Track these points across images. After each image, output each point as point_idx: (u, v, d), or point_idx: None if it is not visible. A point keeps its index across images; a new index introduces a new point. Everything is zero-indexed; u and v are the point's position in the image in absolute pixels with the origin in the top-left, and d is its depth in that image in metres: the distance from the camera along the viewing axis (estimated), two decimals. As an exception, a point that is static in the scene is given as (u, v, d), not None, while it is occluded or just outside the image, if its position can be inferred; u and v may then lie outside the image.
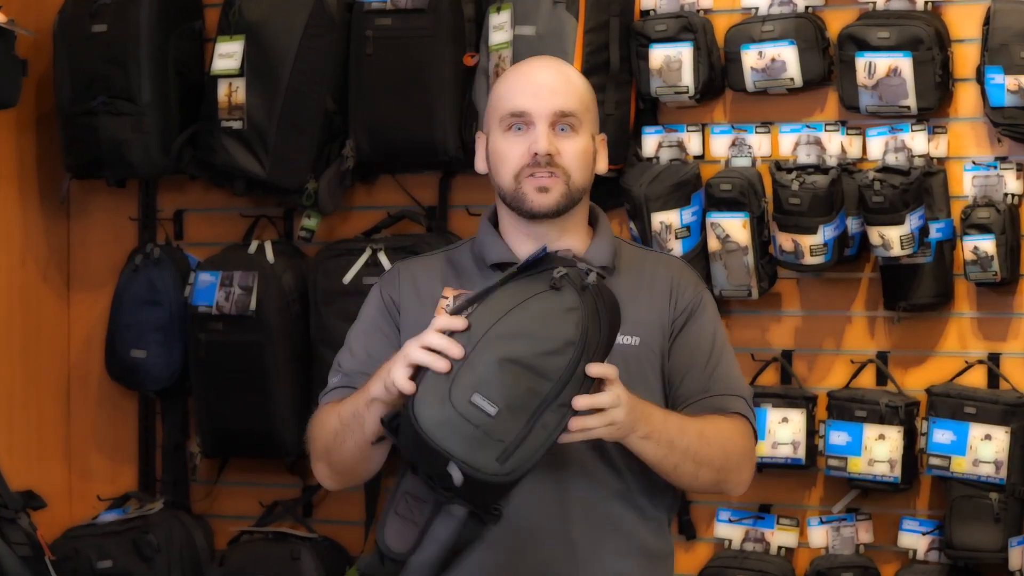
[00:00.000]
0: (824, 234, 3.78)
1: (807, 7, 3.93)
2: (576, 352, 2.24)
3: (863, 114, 3.86)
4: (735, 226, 3.89)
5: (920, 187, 3.76)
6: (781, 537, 3.98)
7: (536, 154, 2.49)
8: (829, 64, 3.91)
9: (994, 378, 3.85)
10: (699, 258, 3.93)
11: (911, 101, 3.79)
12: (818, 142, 3.89)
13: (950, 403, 3.77)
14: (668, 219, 3.90)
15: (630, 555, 2.52)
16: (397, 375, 2.25)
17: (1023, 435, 3.70)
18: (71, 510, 4.62)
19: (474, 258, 2.60)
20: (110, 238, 4.68)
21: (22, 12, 4.32)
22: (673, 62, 3.95)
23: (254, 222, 4.51)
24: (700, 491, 2.58)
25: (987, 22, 3.75)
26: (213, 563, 4.38)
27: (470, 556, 2.32)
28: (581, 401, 2.24)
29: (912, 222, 3.73)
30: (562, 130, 2.51)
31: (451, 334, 2.22)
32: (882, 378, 3.94)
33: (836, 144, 3.88)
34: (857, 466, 3.82)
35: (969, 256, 3.73)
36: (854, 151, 3.88)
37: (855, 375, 3.95)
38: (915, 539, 3.85)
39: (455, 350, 2.20)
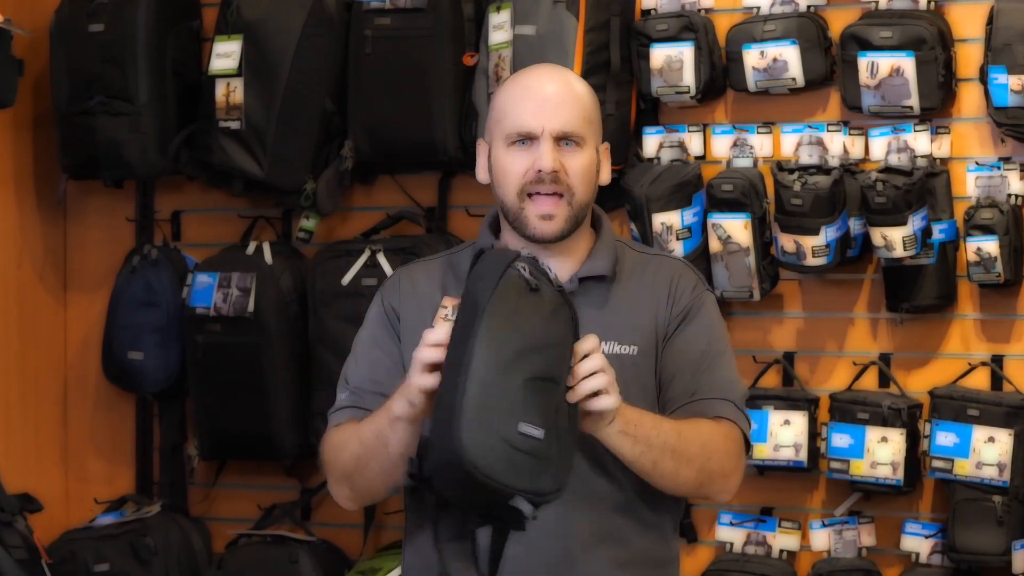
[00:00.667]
0: (826, 235, 3.77)
1: (809, 6, 3.93)
2: (572, 349, 2.26)
3: (865, 114, 3.85)
4: (737, 227, 3.88)
5: (923, 188, 3.75)
6: (783, 540, 3.97)
7: (540, 171, 2.47)
8: (831, 64, 3.91)
9: (997, 380, 3.85)
10: (700, 259, 3.92)
11: (914, 101, 3.78)
12: (820, 142, 3.88)
13: (953, 405, 3.76)
14: (669, 220, 3.90)
15: (631, 565, 2.51)
16: (421, 381, 2.26)
17: (1027, 437, 3.70)
18: (68, 513, 4.62)
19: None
20: (107, 239, 4.67)
21: (18, 11, 4.32)
22: (674, 62, 3.94)
23: (252, 223, 4.50)
24: (686, 494, 2.52)
25: (990, 21, 3.74)
26: (211, 566, 4.38)
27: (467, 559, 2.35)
28: (580, 389, 2.25)
29: (915, 223, 3.73)
30: (567, 145, 2.49)
31: (455, 348, 2.21)
32: (884, 380, 3.93)
33: (838, 144, 3.87)
34: (859, 469, 3.81)
35: (972, 257, 3.72)
36: (856, 151, 3.88)
37: (857, 377, 3.95)
38: (918, 542, 3.84)
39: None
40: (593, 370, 2.27)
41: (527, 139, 2.48)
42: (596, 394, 2.28)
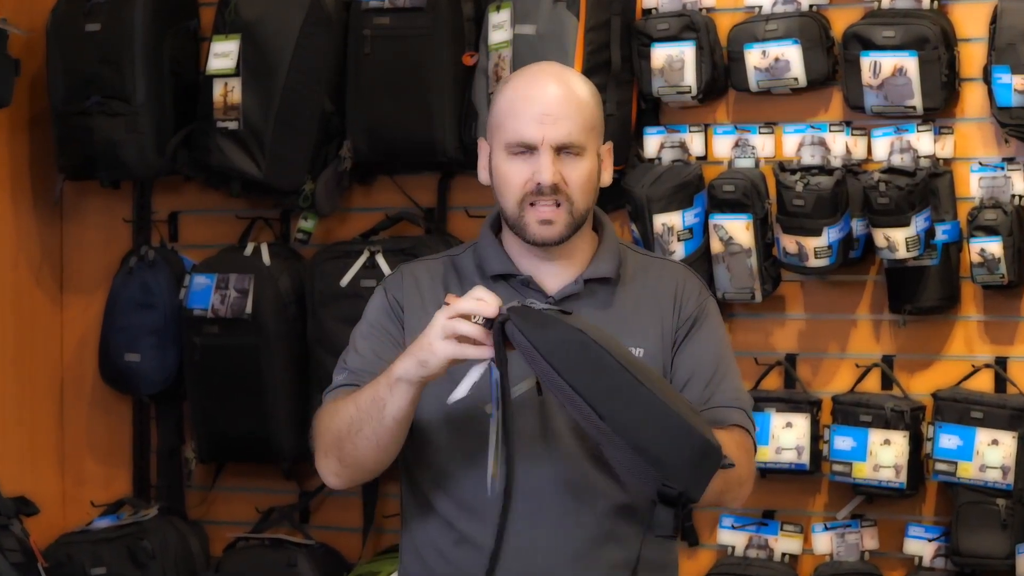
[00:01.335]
0: (828, 236, 3.76)
1: (811, 6, 3.92)
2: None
3: (868, 114, 3.84)
4: (738, 228, 3.87)
5: (926, 188, 3.74)
6: (785, 544, 3.96)
7: (540, 183, 2.46)
8: (834, 63, 3.90)
9: (1001, 382, 3.84)
10: (702, 260, 3.91)
11: (917, 101, 3.77)
12: (822, 143, 3.87)
13: (956, 408, 3.76)
14: (670, 221, 3.89)
15: (630, 568, 2.49)
16: (445, 347, 2.29)
17: (1031, 440, 3.70)
18: (64, 516, 4.61)
19: (476, 265, 2.58)
20: (104, 240, 4.67)
21: (15, 11, 4.34)
22: (675, 61, 3.93)
23: (250, 224, 4.49)
24: (706, 502, 2.51)
25: (994, 21, 3.73)
26: (208, 570, 4.39)
27: (467, 567, 2.39)
28: None
29: (918, 224, 3.72)
30: (567, 154, 2.48)
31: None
32: (887, 382, 3.92)
33: (841, 145, 3.86)
34: (862, 471, 3.80)
35: (976, 258, 3.71)
36: (859, 152, 3.87)
37: (860, 379, 3.94)
38: (921, 546, 3.84)
39: (489, 308, 2.26)
40: None
41: (527, 149, 2.47)
42: None
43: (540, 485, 2.43)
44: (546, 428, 2.45)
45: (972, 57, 3.82)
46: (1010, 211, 3.71)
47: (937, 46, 3.74)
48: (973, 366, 3.85)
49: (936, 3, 3.83)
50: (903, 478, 3.76)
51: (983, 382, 3.84)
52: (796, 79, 3.87)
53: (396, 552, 3.76)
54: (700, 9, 3.99)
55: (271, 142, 4.19)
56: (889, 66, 3.76)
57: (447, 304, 2.32)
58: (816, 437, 3.87)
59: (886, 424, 3.77)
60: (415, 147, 4.12)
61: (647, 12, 4.04)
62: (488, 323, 2.28)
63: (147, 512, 4.40)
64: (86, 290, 4.67)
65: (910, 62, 3.74)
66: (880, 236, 3.74)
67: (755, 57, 3.89)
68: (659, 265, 2.65)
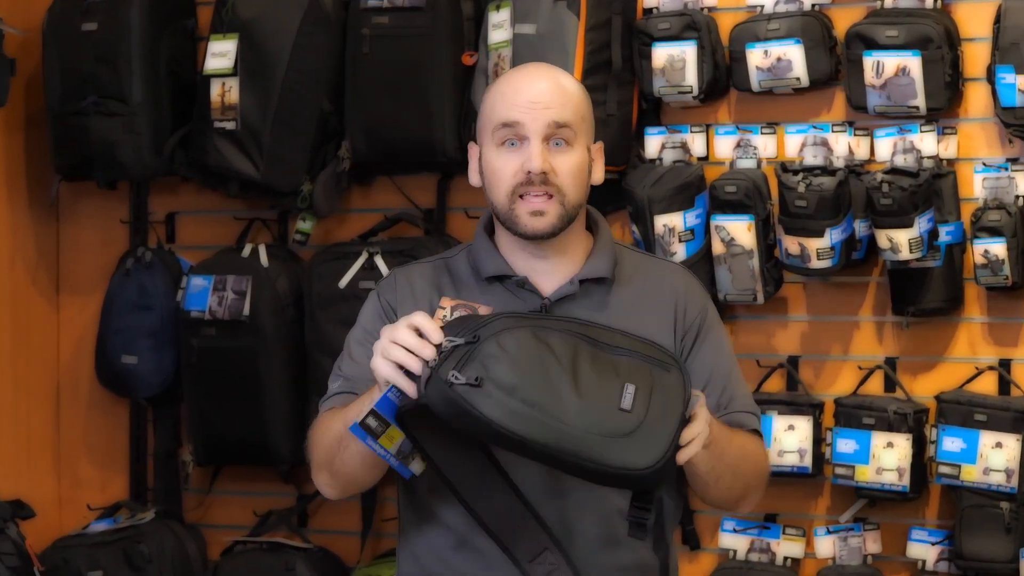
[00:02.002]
0: (831, 237, 3.75)
1: (814, 5, 3.92)
2: None
3: (871, 114, 3.83)
4: (740, 229, 3.85)
5: (929, 189, 3.73)
6: (787, 547, 3.96)
7: (530, 172, 2.45)
8: (836, 63, 3.89)
9: (1005, 385, 3.83)
10: (703, 262, 3.90)
11: (920, 101, 3.76)
12: (825, 143, 3.86)
13: (960, 410, 3.75)
14: (671, 222, 3.88)
15: (630, 571, 2.49)
16: (381, 368, 2.27)
17: (1035, 443, 3.69)
18: (60, 519, 4.60)
19: (471, 267, 2.57)
20: (100, 241, 4.65)
21: (11, 10, 4.34)
22: (677, 61, 3.92)
23: (248, 225, 4.48)
24: (720, 506, 2.56)
25: (998, 20, 3.73)
26: (206, 574, 4.38)
27: (467, 571, 2.41)
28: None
29: (921, 225, 3.71)
30: (556, 144, 2.47)
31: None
32: (890, 384, 3.91)
33: (843, 145, 3.85)
34: (865, 475, 3.79)
35: (979, 260, 3.71)
36: (862, 152, 3.86)
37: (863, 381, 3.93)
38: (924, 549, 3.83)
39: (427, 351, 2.22)
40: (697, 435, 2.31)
41: (516, 139, 2.47)
42: None
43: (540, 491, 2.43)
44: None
45: (976, 57, 3.81)
46: (1014, 212, 3.70)
47: (941, 46, 3.73)
48: (977, 368, 3.84)
49: (939, 2, 3.82)
50: (906, 481, 3.75)
51: (987, 384, 3.84)
52: (798, 79, 3.86)
53: (394, 556, 3.75)
54: (701, 8, 3.99)
55: (269, 142, 4.18)
56: (892, 66, 3.75)
57: (441, 307, 2.31)
58: (818, 440, 3.86)
59: (889, 427, 3.76)
60: (414, 147, 4.11)
61: (648, 11, 4.03)
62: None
63: (144, 515, 4.39)
64: (82, 292, 4.66)
65: (913, 62, 3.73)
66: (883, 237, 3.73)
67: (757, 57, 3.88)
68: (657, 266, 2.64)
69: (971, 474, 3.70)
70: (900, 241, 3.71)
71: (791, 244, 3.79)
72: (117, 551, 4.28)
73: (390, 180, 4.34)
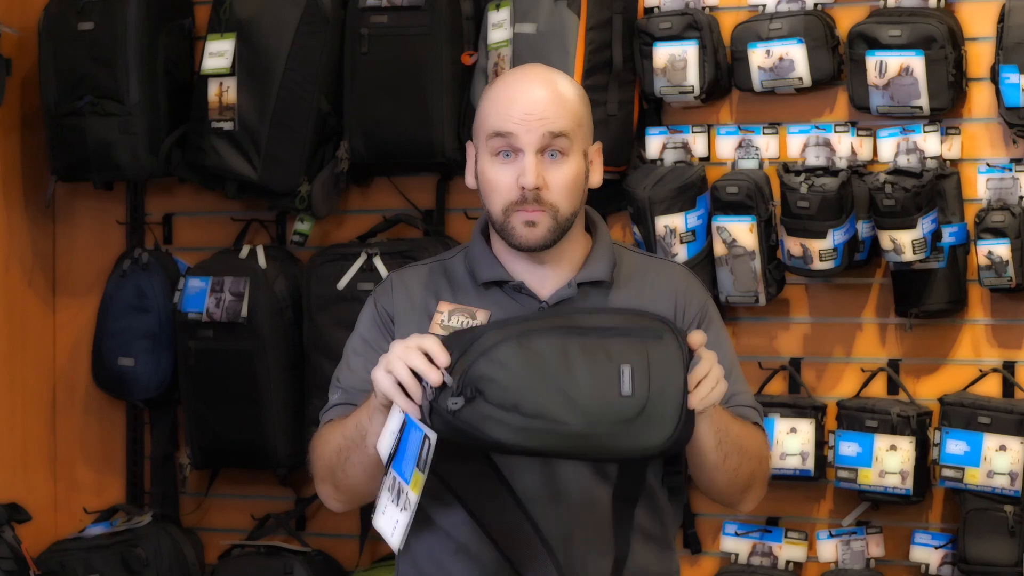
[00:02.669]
0: (834, 238, 3.74)
1: (816, 4, 3.91)
2: None
3: (874, 115, 3.83)
4: (742, 230, 3.85)
5: (933, 190, 3.73)
6: (789, 551, 3.95)
7: (524, 188, 2.45)
8: (839, 63, 3.88)
9: (1009, 387, 3.82)
10: (705, 263, 3.90)
11: (923, 101, 3.75)
12: (827, 143, 3.85)
13: (963, 413, 3.74)
14: (673, 223, 3.86)
15: (632, 574, 2.47)
16: (381, 382, 2.27)
17: (1039, 446, 3.68)
18: (57, 523, 4.60)
19: (467, 270, 2.57)
20: (97, 243, 4.65)
21: (6, 10, 4.35)
22: (678, 61, 3.91)
23: (245, 226, 4.47)
24: (727, 496, 2.53)
25: (1002, 19, 3.72)
26: (203, 577, 4.37)
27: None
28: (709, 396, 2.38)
29: (924, 226, 3.70)
30: (552, 156, 2.46)
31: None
32: (893, 387, 3.91)
33: (846, 145, 3.85)
34: (867, 478, 3.78)
35: (983, 261, 3.70)
36: (865, 153, 3.86)
37: (865, 384, 3.92)
38: (927, 553, 3.83)
39: (433, 375, 2.21)
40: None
41: (510, 150, 2.46)
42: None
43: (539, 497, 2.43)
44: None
45: (979, 56, 3.81)
46: (1018, 213, 3.69)
47: (944, 45, 3.72)
48: (980, 370, 3.83)
49: (943, 2, 3.81)
50: (909, 484, 3.75)
51: (990, 387, 3.83)
52: (800, 79, 3.85)
53: (393, 560, 3.74)
54: (703, 8, 3.98)
55: (267, 143, 4.17)
56: (895, 66, 3.74)
57: (439, 311, 2.30)
58: (821, 443, 3.86)
59: (892, 429, 3.75)
60: (413, 148, 4.10)
61: (649, 11, 4.02)
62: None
63: (141, 519, 4.38)
64: (79, 293, 4.65)
65: (916, 62, 3.72)
66: (886, 238, 3.72)
67: (759, 56, 3.87)
68: (657, 265, 2.64)
69: (975, 477, 3.69)
70: (903, 242, 3.70)
71: (793, 245, 3.78)
72: (114, 555, 4.28)
73: (389, 181, 4.34)
